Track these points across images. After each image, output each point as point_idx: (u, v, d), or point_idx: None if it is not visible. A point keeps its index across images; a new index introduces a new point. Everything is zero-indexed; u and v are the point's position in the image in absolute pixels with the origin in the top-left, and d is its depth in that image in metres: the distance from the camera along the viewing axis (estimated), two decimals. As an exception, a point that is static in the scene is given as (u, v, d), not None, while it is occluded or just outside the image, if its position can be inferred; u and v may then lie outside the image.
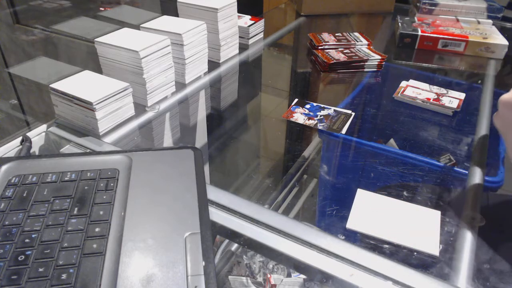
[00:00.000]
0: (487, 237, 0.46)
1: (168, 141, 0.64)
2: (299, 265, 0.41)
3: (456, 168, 0.57)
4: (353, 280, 0.39)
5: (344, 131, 0.64)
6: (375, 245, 0.46)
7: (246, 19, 0.92)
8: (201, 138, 0.67)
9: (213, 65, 0.81)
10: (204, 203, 0.43)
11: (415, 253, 0.45)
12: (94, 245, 0.37)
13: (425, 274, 0.39)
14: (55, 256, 0.36)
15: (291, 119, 0.68)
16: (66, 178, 0.44)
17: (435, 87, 0.78)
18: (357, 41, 0.91)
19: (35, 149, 0.58)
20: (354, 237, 0.47)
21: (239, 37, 0.88)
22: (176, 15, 0.80)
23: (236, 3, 0.81)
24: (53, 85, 0.58)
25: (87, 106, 0.56)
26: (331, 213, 0.54)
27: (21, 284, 0.34)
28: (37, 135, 0.58)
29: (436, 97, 0.74)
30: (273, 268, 0.65)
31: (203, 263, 0.36)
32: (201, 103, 0.74)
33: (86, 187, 0.43)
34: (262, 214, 0.45)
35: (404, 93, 0.76)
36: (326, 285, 0.40)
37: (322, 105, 0.71)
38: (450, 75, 0.90)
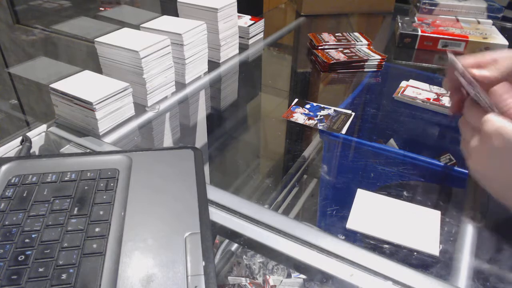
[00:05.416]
0: (487, 237, 0.46)
1: (168, 141, 0.64)
2: (299, 265, 0.41)
3: (456, 168, 0.57)
4: (353, 280, 0.39)
5: (344, 131, 0.64)
6: (375, 245, 0.46)
7: (246, 19, 0.92)
8: (201, 138, 0.67)
9: (213, 65, 0.81)
10: (204, 203, 0.43)
11: (415, 253, 0.45)
12: (94, 245, 0.37)
13: (425, 274, 0.39)
14: (55, 256, 0.36)
15: (291, 119, 0.68)
16: (66, 178, 0.44)
17: (435, 87, 0.78)
18: (357, 41, 0.91)
19: (35, 149, 0.58)
20: (354, 237, 0.47)
21: (239, 37, 0.88)
22: (176, 15, 0.80)
23: (236, 3, 0.80)
24: (53, 85, 0.58)
25: (87, 106, 0.56)
26: (331, 213, 0.54)
27: (21, 284, 0.34)
28: (37, 135, 0.58)
29: (436, 97, 0.74)
30: (273, 268, 0.65)
31: (203, 263, 0.36)
32: (201, 103, 0.74)
33: (86, 187, 0.43)
34: (262, 214, 0.45)
35: (404, 93, 0.76)
36: (326, 285, 0.40)
37: (322, 105, 0.71)
38: (450, 75, 0.90)
